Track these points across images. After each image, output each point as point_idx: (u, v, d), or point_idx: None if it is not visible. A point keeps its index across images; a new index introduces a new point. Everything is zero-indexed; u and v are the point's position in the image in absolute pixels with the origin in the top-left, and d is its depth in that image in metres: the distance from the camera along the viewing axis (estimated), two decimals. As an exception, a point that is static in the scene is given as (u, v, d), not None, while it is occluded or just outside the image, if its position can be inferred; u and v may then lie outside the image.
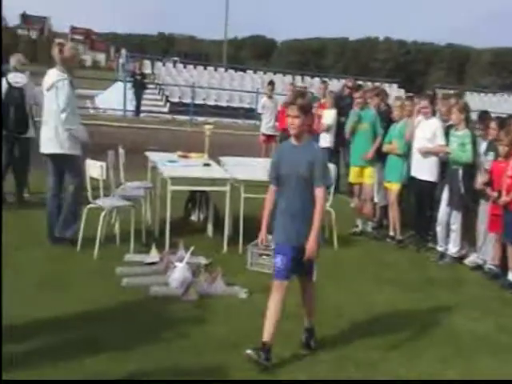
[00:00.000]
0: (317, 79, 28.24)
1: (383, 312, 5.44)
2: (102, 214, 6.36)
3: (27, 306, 4.78)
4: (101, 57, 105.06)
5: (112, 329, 4.58)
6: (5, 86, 8.06)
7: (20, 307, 4.67)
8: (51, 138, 6.36)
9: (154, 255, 6.21)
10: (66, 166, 6.48)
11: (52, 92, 6.34)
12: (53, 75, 6.39)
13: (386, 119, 8.17)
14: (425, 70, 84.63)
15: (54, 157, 6.45)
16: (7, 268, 5.30)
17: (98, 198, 6.50)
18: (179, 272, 5.52)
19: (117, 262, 6.00)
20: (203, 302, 5.30)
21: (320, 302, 5.14)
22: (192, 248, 5.86)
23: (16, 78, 8.17)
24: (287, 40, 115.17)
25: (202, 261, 6.16)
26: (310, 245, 4.13)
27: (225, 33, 40.77)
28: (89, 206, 6.42)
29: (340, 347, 4.61)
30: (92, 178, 6.51)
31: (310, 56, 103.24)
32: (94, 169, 6.43)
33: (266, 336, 4.17)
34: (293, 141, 4.26)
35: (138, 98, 22.83)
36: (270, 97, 12.81)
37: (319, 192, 4.13)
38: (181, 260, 5.77)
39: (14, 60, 8.38)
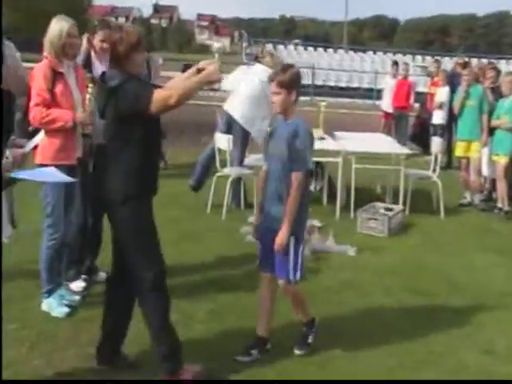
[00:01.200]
0: (446, 59, 27.82)
1: (483, 274, 5.85)
2: (229, 180, 7.26)
3: (169, 254, 5.73)
4: (225, 41, 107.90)
5: (237, 272, 5.45)
6: None
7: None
8: None
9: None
10: None
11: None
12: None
13: (499, 95, 8.44)
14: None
15: None
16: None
17: (225, 166, 7.41)
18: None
19: (241, 223, 6.86)
20: (315, 256, 6.02)
21: (419, 263, 5.75)
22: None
23: None
24: (410, 19, 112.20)
25: (316, 223, 6.88)
26: (279, 236, 3.71)
27: (345, 13, 41.00)
28: (217, 174, 7.35)
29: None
30: (219, 150, 7.46)
31: (434, 35, 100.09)
32: (222, 141, 7.36)
33: (259, 330, 4.03)
34: (282, 117, 3.93)
35: (261, 80, 23.79)
36: (394, 76, 13.26)
37: (294, 177, 3.71)
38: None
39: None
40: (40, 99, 4.23)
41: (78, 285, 4.81)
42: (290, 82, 3.82)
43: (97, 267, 5.08)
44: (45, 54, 4.38)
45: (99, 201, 3.63)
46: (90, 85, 4.55)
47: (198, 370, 3.62)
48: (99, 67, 4.87)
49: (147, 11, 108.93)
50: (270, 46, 29.81)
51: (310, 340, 4.08)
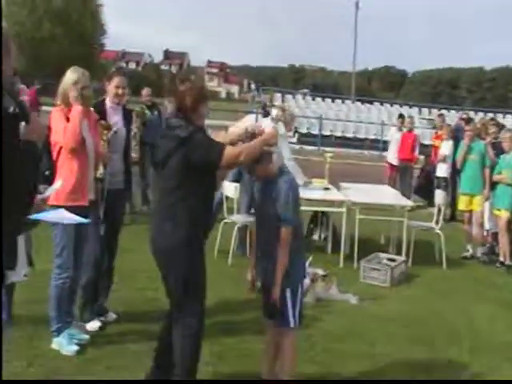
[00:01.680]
0: (452, 112, 28.28)
1: (482, 324, 6.01)
2: (236, 227, 7.46)
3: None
4: (234, 89, 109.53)
5: (241, 317, 5.59)
6: None
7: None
8: None
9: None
10: None
11: None
12: None
13: (501, 150, 8.69)
14: None
15: None
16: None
17: (231, 214, 7.62)
18: (299, 278, 6.43)
19: (247, 269, 7.00)
20: (319, 304, 6.16)
21: (420, 313, 5.91)
22: (311, 258, 6.75)
23: None
24: (419, 70, 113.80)
25: (320, 272, 7.03)
26: (272, 292, 3.84)
27: (353, 64, 41.79)
28: (225, 221, 7.55)
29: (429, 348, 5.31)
30: (227, 197, 7.69)
31: (443, 87, 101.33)
32: (230, 189, 7.60)
33: (263, 374, 4.17)
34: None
35: (269, 128, 24.24)
36: (399, 129, 13.56)
37: (282, 233, 3.81)
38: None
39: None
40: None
41: (92, 325, 4.97)
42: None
43: (106, 308, 5.24)
44: (58, 102, 4.60)
45: (155, 248, 3.78)
46: (105, 132, 4.79)
47: None
48: (112, 113, 5.10)
49: (158, 57, 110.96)
50: (278, 96, 30.36)
51: None
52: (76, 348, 4.58)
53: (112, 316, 5.23)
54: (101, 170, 4.78)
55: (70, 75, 4.57)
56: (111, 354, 4.59)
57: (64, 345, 4.56)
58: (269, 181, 3.89)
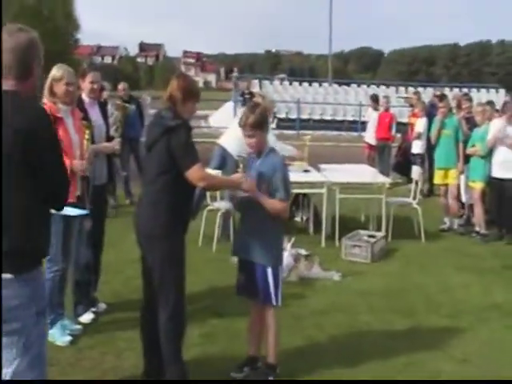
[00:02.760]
0: (429, 89, 28.49)
1: (459, 291, 6.26)
2: (219, 213, 7.63)
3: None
4: (211, 77, 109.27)
5: (228, 299, 5.77)
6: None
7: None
8: None
9: (262, 247, 7.37)
10: None
11: None
12: None
13: (474, 124, 8.93)
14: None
15: None
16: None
17: (215, 200, 7.78)
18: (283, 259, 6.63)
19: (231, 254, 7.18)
20: (303, 282, 6.37)
21: (400, 285, 6.13)
22: (293, 239, 6.94)
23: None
24: (395, 50, 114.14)
25: (303, 252, 7.23)
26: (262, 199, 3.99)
27: (329, 47, 41.69)
28: (207, 208, 7.71)
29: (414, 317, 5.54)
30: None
31: (419, 65, 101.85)
32: (211, 177, 7.74)
33: (250, 350, 4.35)
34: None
35: (248, 115, 24.37)
36: (375, 108, 13.78)
37: (279, 204, 4.02)
38: (284, 250, 6.89)
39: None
40: None
41: (86, 317, 5.14)
42: (261, 119, 4.02)
43: (97, 298, 5.40)
44: (44, 99, 4.72)
45: (139, 234, 3.93)
46: (87, 131, 4.90)
47: None
48: (91, 109, 5.20)
49: (133, 50, 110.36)
50: (255, 82, 30.41)
51: (271, 378, 4.21)
52: (69, 338, 4.74)
53: (102, 306, 5.39)
54: (84, 165, 4.88)
55: (55, 72, 4.68)
56: (104, 342, 4.76)
57: (57, 336, 4.71)
58: (262, 157, 4.08)
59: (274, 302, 4.15)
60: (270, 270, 4.10)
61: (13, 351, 2.66)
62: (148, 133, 3.97)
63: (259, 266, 4.09)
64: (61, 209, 2.91)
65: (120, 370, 4.32)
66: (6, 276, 2.56)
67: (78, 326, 4.96)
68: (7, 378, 2.67)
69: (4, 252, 2.55)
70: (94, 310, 5.28)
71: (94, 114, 5.26)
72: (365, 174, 9.24)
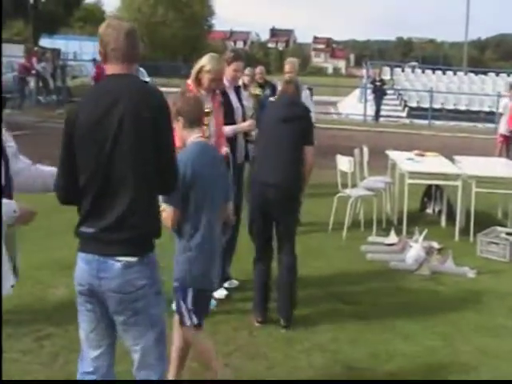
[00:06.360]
0: None
1: None
2: (350, 201, 7.59)
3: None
4: (341, 64, 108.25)
5: (358, 287, 5.77)
6: None
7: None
8: None
9: (392, 238, 7.25)
10: None
11: None
12: None
13: None
14: None
15: None
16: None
17: (346, 188, 7.74)
18: (415, 251, 6.48)
19: (361, 242, 7.15)
20: (434, 276, 6.19)
21: None
22: (426, 231, 6.76)
23: None
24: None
25: (435, 245, 7.02)
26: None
27: (465, 34, 39.77)
28: (338, 195, 7.69)
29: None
30: (341, 171, 7.81)
31: None
32: (344, 163, 7.71)
33: None
34: None
35: (378, 103, 23.98)
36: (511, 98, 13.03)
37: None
38: (416, 242, 6.74)
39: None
40: None
41: (220, 293, 5.29)
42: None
43: (230, 275, 5.57)
44: (188, 81, 4.94)
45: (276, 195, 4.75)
46: (207, 118, 5.00)
47: None
48: (231, 93, 5.43)
49: (264, 35, 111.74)
50: (387, 69, 29.75)
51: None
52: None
53: (235, 283, 5.56)
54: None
55: (205, 60, 4.85)
56: (236, 318, 4.94)
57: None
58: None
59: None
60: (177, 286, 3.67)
61: (139, 329, 2.79)
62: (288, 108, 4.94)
63: None
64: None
65: (252, 346, 4.46)
66: (132, 259, 2.71)
67: (213, 302, 5.13)
68: (137, 355, 2.83)
69: (129, 236, 2.68)
70: (226, 286, 5.44)
71: (232, 97, 5.47)
72: (503, 167, 8.77)
